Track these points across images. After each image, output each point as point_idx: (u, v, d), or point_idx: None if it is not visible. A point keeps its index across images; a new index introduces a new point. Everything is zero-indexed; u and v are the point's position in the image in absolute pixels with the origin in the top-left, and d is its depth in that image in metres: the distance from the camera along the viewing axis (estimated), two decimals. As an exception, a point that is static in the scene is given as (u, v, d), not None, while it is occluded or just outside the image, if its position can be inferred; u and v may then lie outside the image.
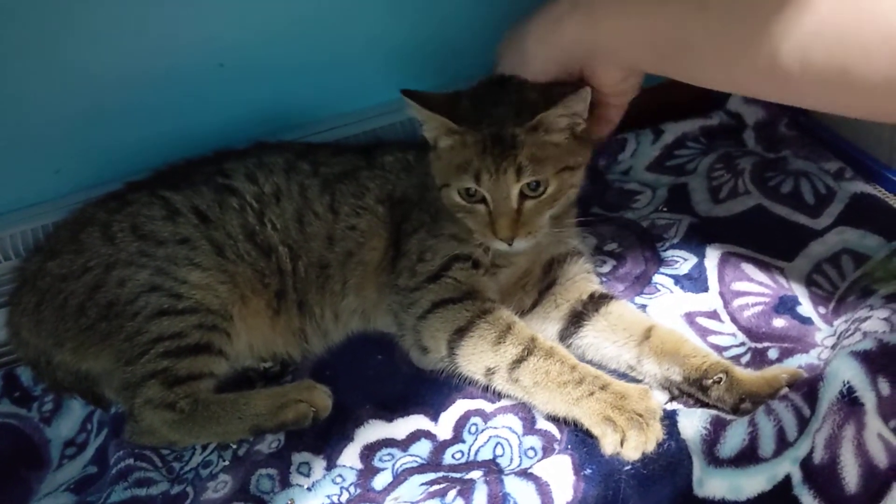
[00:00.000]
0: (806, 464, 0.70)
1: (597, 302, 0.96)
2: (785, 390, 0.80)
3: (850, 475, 0.68)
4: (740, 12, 0.73)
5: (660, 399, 0.87)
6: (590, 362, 0.92)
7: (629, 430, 0.78)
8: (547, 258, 1.00)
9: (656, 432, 0.78)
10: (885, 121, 0.94)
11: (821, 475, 0.69)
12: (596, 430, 0.79)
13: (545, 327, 0.98)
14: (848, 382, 0.70)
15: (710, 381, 0.83)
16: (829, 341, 0.88)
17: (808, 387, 0.75)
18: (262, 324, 1.03)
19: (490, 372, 0.88)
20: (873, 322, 0.79)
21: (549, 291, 0.99)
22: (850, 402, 0.70)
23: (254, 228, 1.03)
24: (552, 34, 0.91)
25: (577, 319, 0.96)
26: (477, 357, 0.89)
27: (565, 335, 0.96)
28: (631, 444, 0.77)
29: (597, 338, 0.94)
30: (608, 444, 0.78)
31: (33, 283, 1.01)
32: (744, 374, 0.83)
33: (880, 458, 0.67)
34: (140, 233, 1.00)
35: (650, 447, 0.77)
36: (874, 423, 0.68)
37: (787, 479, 0.71)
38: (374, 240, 1.03)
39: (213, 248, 1.00)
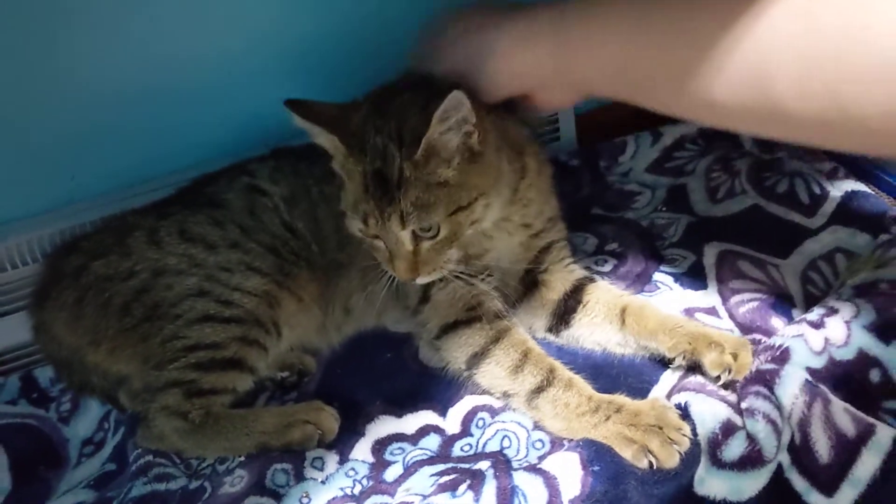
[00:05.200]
0: (791, 447, 0.75)
1: (578, 293, 0.98)
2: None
3: (822, 447, 0.73)
4: (724, 39, 0.67)
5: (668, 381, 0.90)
6: (583, 347, 0.97)
7: (649, 441, 0.78)
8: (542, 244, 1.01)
9: (681, 440, 0.78)
10: (879, 154, 0.89)
11: (800, 453, 0.74)
12: (617, 449, 0.80)
13: (533, 321, 1.01)
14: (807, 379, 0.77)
15: (676, 358, 0.88)
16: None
17: (768, 381, 0.79)
18: (309, 321, 1.03)
19: (507, 395, 0.90)
20: (841, 314, 0.84)
21: (535, 283, 1.01)
22: (812, 385, 0.76)
23: (292, 225, 1.03)
24: (521, 51, 0.85)
25: (564, 314, 0.98)
26: (496, 382, 0.91)
27: (554, 330, 0.99)
28: (656, 451, 0.78)
29: (584, 329, 0.97)
30: (631, 457, 0.79)
31: (75, 279, 0.97)
32: (708, 354, 0.85)
33: (848, 429, 0.73)
34: (188, 236, 0.98)
35: (677, 455, 0.78)
36: (839, 401, 0.75)
37: (780, 466, 0.75)
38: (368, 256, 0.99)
39: (265, 250, 0.99)
